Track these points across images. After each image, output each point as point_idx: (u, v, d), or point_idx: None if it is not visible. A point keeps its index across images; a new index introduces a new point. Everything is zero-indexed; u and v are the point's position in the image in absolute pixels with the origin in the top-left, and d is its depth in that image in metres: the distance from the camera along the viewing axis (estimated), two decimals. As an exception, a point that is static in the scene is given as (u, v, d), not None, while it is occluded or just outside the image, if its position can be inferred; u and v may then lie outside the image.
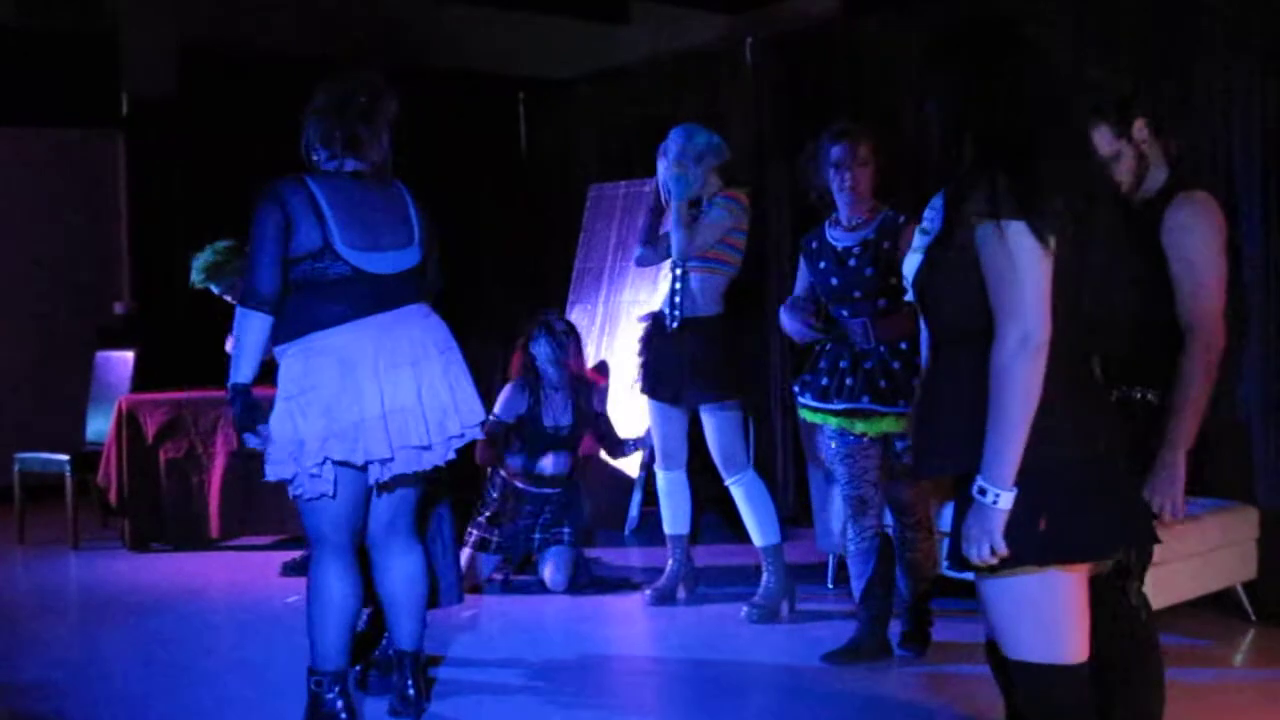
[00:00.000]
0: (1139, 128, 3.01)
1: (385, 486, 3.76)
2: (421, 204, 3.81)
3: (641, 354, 5.39)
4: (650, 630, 5.16)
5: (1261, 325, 5.25)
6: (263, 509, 6.53)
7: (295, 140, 3.76)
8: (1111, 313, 2.38)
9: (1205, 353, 2.91)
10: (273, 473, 3.61)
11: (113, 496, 6.74)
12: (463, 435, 3.75)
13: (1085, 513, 2.30)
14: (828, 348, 4.48)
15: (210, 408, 6.57)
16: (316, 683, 3.68)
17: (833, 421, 4.42)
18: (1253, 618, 4.90)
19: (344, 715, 3.68)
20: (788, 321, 4.59)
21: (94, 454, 6.89)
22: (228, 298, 5.90)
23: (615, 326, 7.46)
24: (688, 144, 5.12)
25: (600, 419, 5.92)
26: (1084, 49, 5.65)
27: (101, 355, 7.39)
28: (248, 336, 3.59)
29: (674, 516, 5.44)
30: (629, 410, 6.78)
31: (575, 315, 7.57)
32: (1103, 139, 2.97)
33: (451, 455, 3.76)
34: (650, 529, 6.53)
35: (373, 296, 3.61)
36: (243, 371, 3.60)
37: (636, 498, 7.05)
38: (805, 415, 4.56)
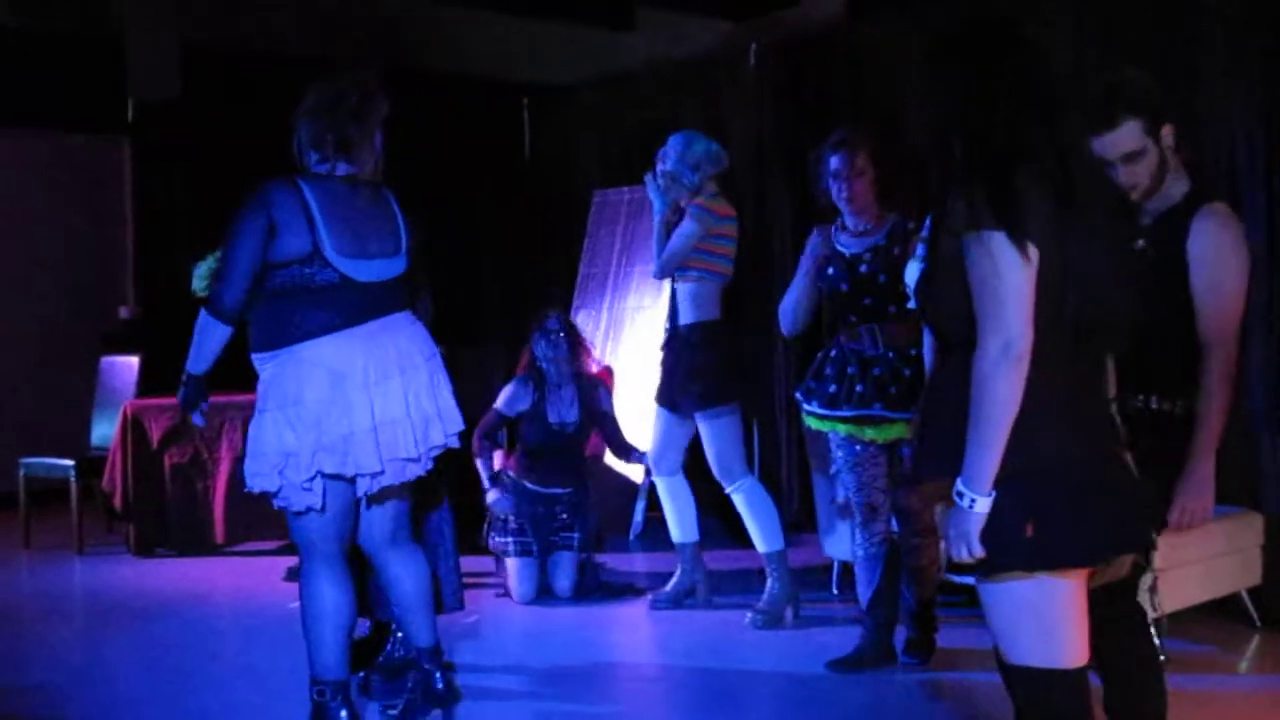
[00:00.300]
0: (1167, 133, 3.05)
1: (378, 499, 3.73)
2: (408, 212, 3.77)
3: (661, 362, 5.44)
4: (654, 636, 5.16)
5: (1265, 331, 5.25)
6: (267, 514, 6.43)
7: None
8: (1109, 315, 2.38)
9: (1226, 364, 2.96)
10: (257, 484, 3.57)
11: (117, 502, 6.74)
12: (443, 444, 3.71)
13: (1073, 519, 2.31)
14: (832, 354, 4.47)
15: (215, 413, 6.56)
16: (319, 692, 3.66)
17: (841, 429, 4.40)
18: (1258, 624, 4.89)
19: None
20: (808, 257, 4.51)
21: (99, 459, 6.89)
22: None
23: (620, 331, 7.47)
24: (686, 151, 5.16)
25: (607, 418, 5.91)
26: (1083, 50, 5.65)
27: (106, 360, 7.40)
28: (207, 340, 3.57)
29: (679, 524, 5.44)
30: (635, 416, 6.78)
31: (580, 320, 7.58)
32: (1132, 134, 3.00)
33: (430, 464, 3.71)
34: (656, 534, 6.52)
35: (360, 304, 3.56)
36: (200, 363, 3.61)
37: (641, 503, 7.05)
38: (811, 423, 4.54)
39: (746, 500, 5.17)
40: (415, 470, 3.66)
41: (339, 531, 3.68)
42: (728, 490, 5.20)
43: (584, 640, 5.06)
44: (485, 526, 5.77)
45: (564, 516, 5.72)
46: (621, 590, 5.75)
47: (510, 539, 5.65)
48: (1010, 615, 2.39)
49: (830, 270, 4.43)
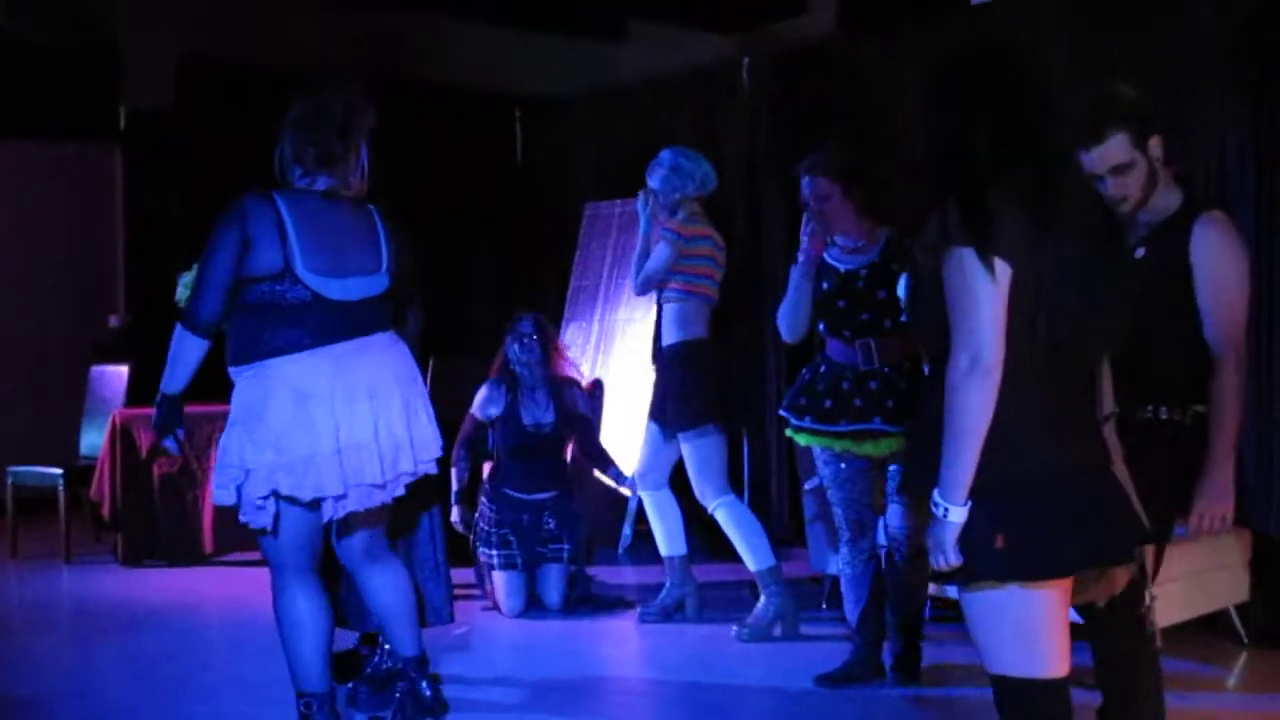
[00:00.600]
0: (1154, 144, 3.08)
1: (349, 520, 3.67)
2: (394, 228, 3.70)
3: None
4: (643, 650, 5.16)
5: (1253, 344, 5.26)
6: (256, 524, 6.51)
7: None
8: (1081, 334, 2.42)
9: (1237, 369, 2.99)
10: (217, 498, 3.56)
11: (106, 511, 6.73)
12: (414, 472, 3.63)
13: (1045, 532, 2.36)
14: (821, 370, 4.47)
15: (204, 423, 6.56)
16: (306, 704, 3.65)
17: (836, 445, 4.39)
18: (1245, 640, 4.91)
19: None
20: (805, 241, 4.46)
21: (88, 468, 6.88)
22: None
23: (610, 344, 7.47)
24: (668, 170, 5.20)
25: (582, 421, 5.90)
26: (1074, 62, 5.67)
27: (96, 369, 7.40)
28: (182, 355, 3.52)
29: (666, 537, 5.45)
30: (625, 429, 6.79)
31: (571, 333, 7.59)
32: (1120, 147, 3.05)
33: (400, 491, 3.64)
34: (646, 548, 6.53)
35: (333, 324, 3.50)
36: (174, 383, 3.56)
37: (630, 516, 7.05)
38: (801, 439, 4.52)
39: (728, 518, 5.18)
40: (381, 497, 3.59)
41: (309, 547, 3.62)
42: (709, 510, 5.21)
43: (573, 653, 5.06)
44: (471, 539, 5.77)
45: (551, 525, 5.71)
46: (611, 603, 5.75)
47: (495, 551, 5.65)
48: (989, 625, 2.44)
49: (824, 285, 4.43)
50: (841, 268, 4.42)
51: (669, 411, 5.23)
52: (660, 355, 5.36)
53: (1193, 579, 4.69)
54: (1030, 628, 2.41)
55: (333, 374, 3.48)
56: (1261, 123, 5.29)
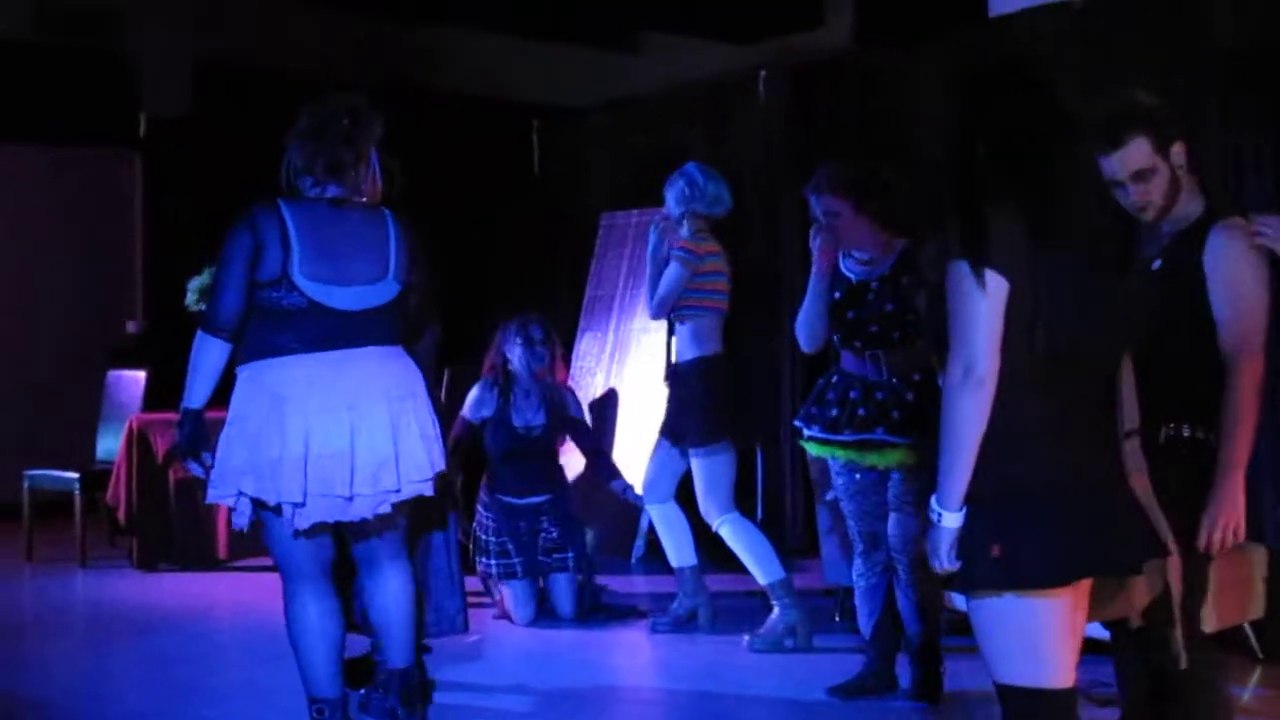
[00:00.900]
0: (1178, 151, 3.03)
1: (352, 525, 3.63)
2: (408, 233, 3.67)
3: None
4: (655, 660, 5.16)
5: (1271, 360, 5.24)
6: (270, 530, 6.53)
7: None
8: (1078, 348, 2.43)
9: (1253, 377, 2.92)
10: (210, 496, 3.59)
11: (121, 515, 6.76)
12: (399, 491, 3.55)
13: (1042, 541, 2.38)
14: (834, 380, 4.46)
15: (221, 429, 6.57)
16: (318, 710, 3.64)
17: (840, 454, 4.39)
18: (1260, 656, 4.88)
19: None
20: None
21: (104, 472, 6.91)
22: None
23: (625, 354, 7.48)
24: (686, 183, 5.25)
25: (578, 424, 5.91)
26: (1087, 85, 5.66)
27: (113, 374, 7.43)
28: (203, 361, 3.52)
29: (675, 549, 5.45)
30: (638, 439, 6.79)
31: (585, 343, 7.60)
32: (1141, 152, 2.99)
33: (385, 509, 3.55)
34: (658, 557, 6.51)
35: (326, 332, 3.49)
36: (195, 396, 3.54)
37: (643, 526, 7.04)
38: (811, 449, 4.52)
39: (733, 534, 5.18)
40: (357, 511, 3.52)
41: (314, 555, 3.61)
42: (714, 527, 5.21)
43: (584, 662, 5.06)
44: (471, 549, 5.75)
45: (553, 533, 5.67)
46: (623, 613, 5.74)
47: (494, 562, 5.63)
48: (991, 633, 2.47)
49: (836, 294, 4.41)
50: (853, 278, 4.40)
51: (683, 427, 5.24)
52: (675, 371, 5.38)
53: (1208, 594, 4.65)
54: (1031, 637, 2.43)
55: (311, 380, 3.47)
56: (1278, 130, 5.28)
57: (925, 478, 2.61)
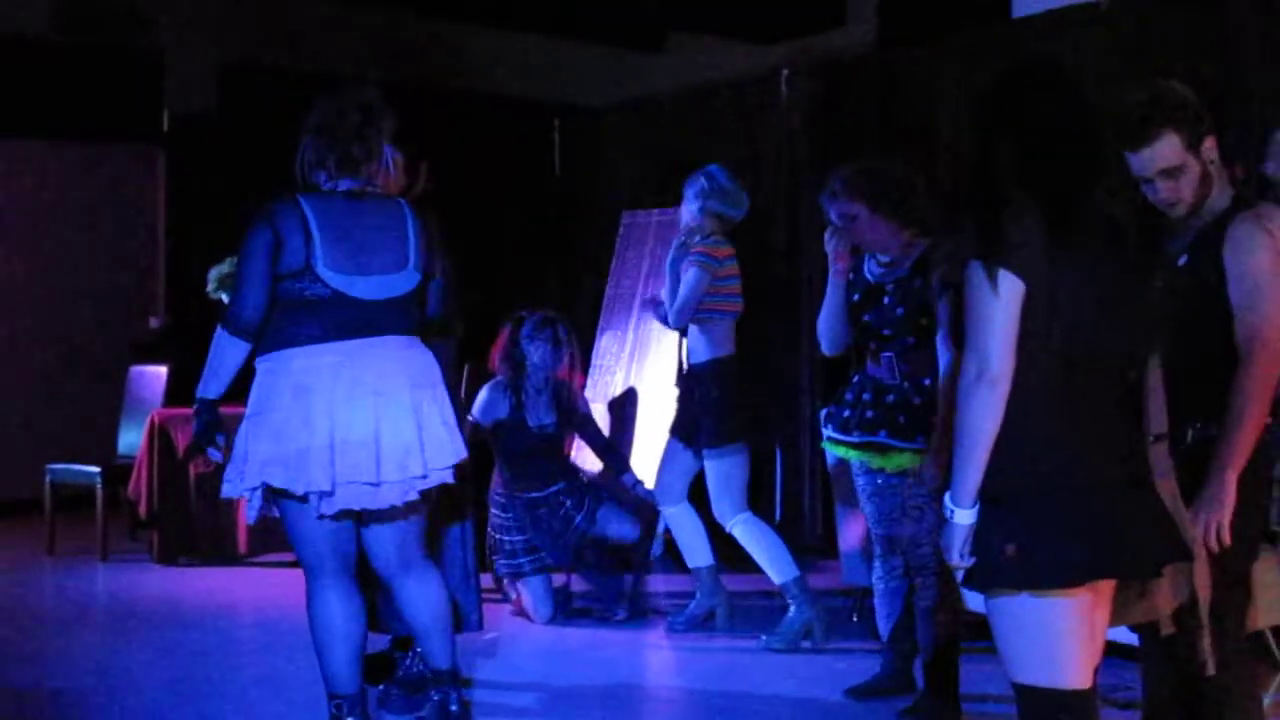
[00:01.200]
0: (1209, 146, 2.94)
1: (381, 517, 3.64)
2: (427, 225, 3.68)
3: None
4: (672, 660, 5.16)
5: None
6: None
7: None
8: (1096, 350, 2.44)
9: (1264, 370, 2.83)
10: (225, 490, 3.58)
11: (143, 509, 6.80)
12: (426, 476, 3.57)
13: (1058, 542, 2.39)
14: (854, 379, 4.45)
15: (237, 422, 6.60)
16: (337, 706, 3.66)
17: (854, 455, 4.37)
18: (1280, 662, 4.86)
19: None
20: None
21: (125, 467, 6.94)
22: None
23: (645, 354, 7.48)
24: (707, 181, 5.25)
25: (588, 420, 5.90)
26: (1111, 86, 5.64)
27: (135, 369, 7.47)
28: (222, 359, 3.55)
29: (691, 550, 5.46)
30: (656, 438, 6.79)
31: (605, 342, 7.60)
32: (1171, 148, 2.89)
33: (413, 496, 3.58)
34: (676, 557, 6.52)
35: (350, 321, 3.51)
36: (211, 388, 3.58)
37: (660, 526, 7.04)
38: (827, 447, 4.53)
39: (745, 534, 5.19)
40: (385, 498, 3.54)
41: (337, 548, 3.62)
42: (727, 527, 5.22)
43: (601, 661, 5.06)
44: (488, 552, 5.74)
45: (584, 502, 5.64)
46: (642, 611, 5.73)
47: (523, 560, 5.61)
48: (1008, 632, 2.48)
49: (855, 297, 4.39)
50: (872, 280, 4.35)
51: (696, 428, 5.24)
52: (690, 373, 5.37)
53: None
54: (1048, 637, 2.44)
55: (335, 368, 3.48)
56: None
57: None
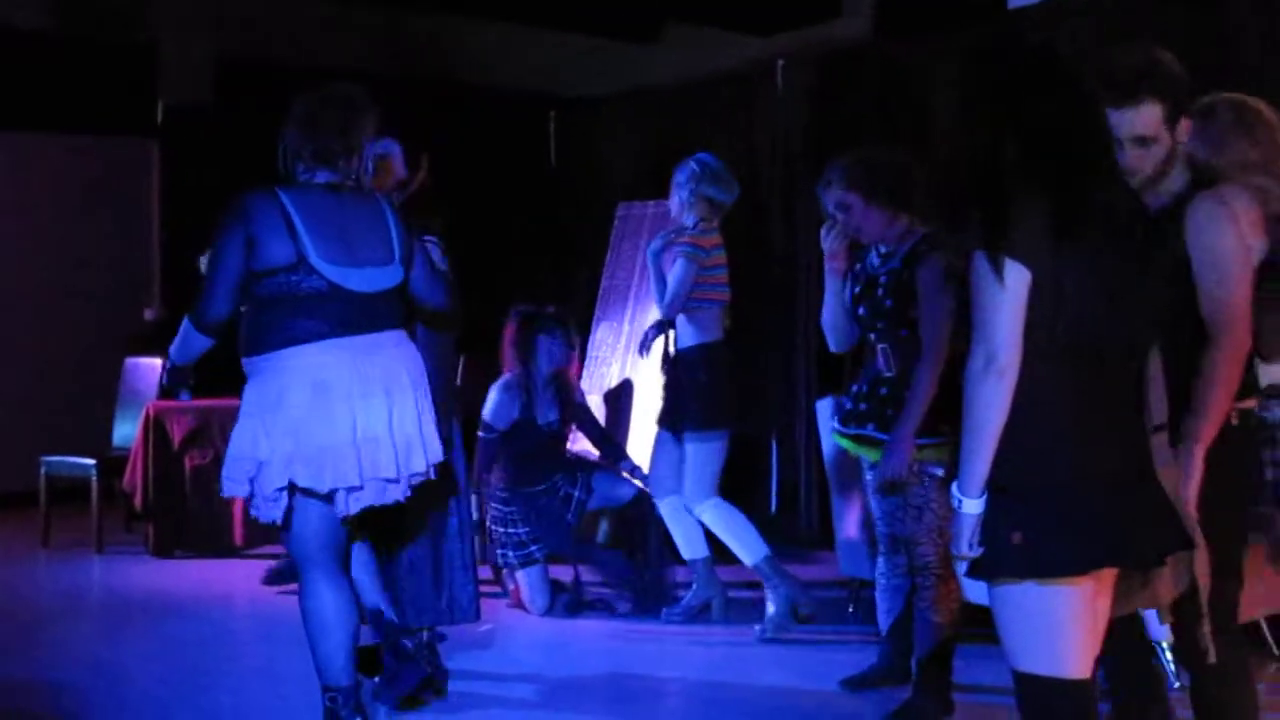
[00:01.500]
0: (1185, 128, 2.93)
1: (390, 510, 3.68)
2: (403, 219, 3.71)
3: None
4: (668, 650, 5.15)
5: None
6: (286, 518, 6.56)
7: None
8: (1100, 342, 2.44)
9: (1233, 348, 2.84)
10: (229, 489, 3.56)
11: (138, 502, 6.79)
12: (426, 473, 3.64)
13: (1063, 531, 2.40)
14: (861, 371, 4.42)
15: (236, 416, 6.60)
16: (331, 699, 3.65)
17: (852, 448, 4.34)
18: (1276, 651, 4.87)
19: None
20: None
21: (120, 459, 6.94)
22: None
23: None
24: (699, 166, 5.25)
25: (585, 411, 5.92)
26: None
27: (130, 361, 7.46)
28: (190, 344, 3.63)
29: (686, 542, 5.46)
30: (649, 430, 6.79)
31: (601, 332, 7.60)
32: (1151, 117, 2.88)
33: (408, 493, 3.64)
34: (669, 548, 6.52)
35: (350, 315, 3.51)
36: (182, 358, 3.72)
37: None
38: (834, 438, 4.51)
39: (716, 518, 5.20)
40: (395, 493, 3.59)
41: (331, 543, 3.63)
42: (695, 512, 5.23)
43: (597, 652, 5.07)
44: (487, 543, 5.73)
45: (575, 495, 5.64)
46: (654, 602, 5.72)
47: (533, 548, 5.60)
48: (1011, 620, 2.49)
49: (856, 289, 4.34)
50: (870, 271, 4.30)
51: (681, 411, 5.23)
52: (677, 358, 5.35)
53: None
54: (1050, 626, 2.45)
55: (351, 365, 3.49)
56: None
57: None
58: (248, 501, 3.59)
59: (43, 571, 6.67)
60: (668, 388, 5.40)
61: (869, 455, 4.24)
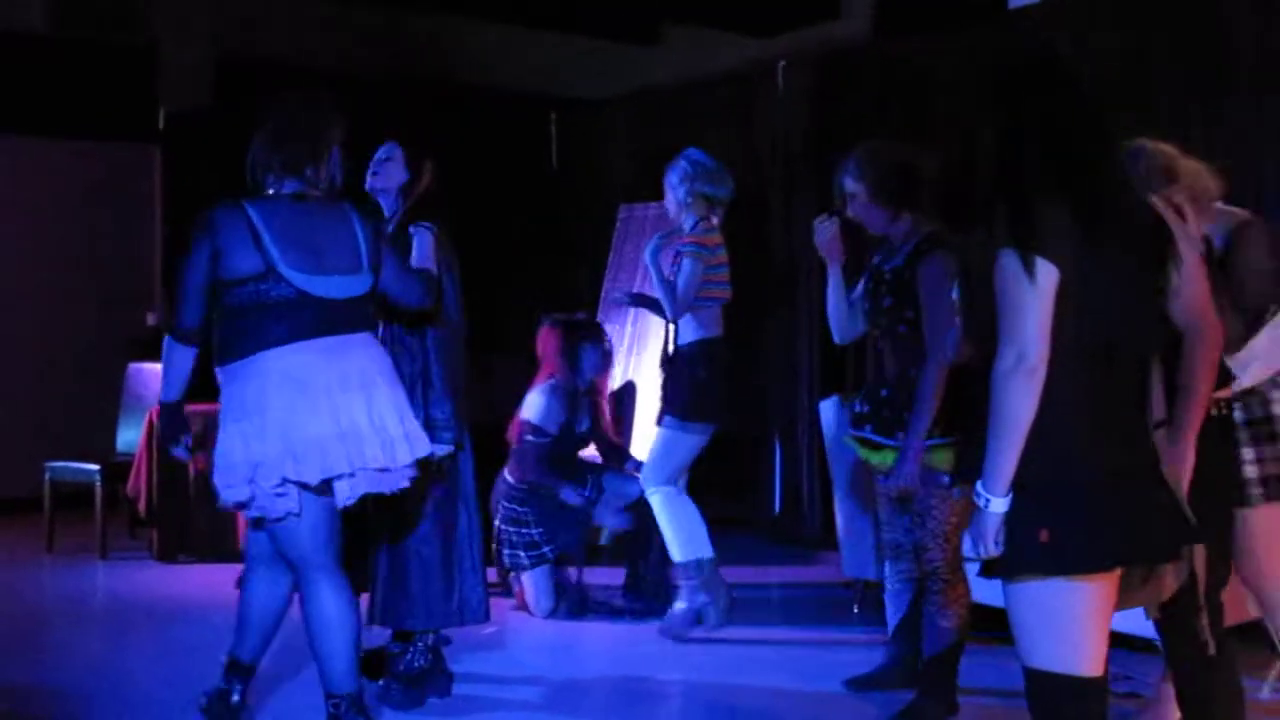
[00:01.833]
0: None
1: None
2: (372, 223, 3.76)
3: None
4: (670, 651, 5.15)
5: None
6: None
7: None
8: (1121, 339, 2.48)
9: (1214, 344, 2.87)
10: (228, 497, 3.58)
11: (142, 507, 6.79)
12: (412, 466, 3.69)
13: (1087, 527, 2.43)
14: (872, 372, 4.41)
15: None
16: (335, 705, 3.65)
17: (856, 449, 4.32)
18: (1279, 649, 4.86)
19: None
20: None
21: (124, 464, 6.94)
22: None
23: (643, 347, 7.48)
24: (689, 164, 5.23)
25: (604, 420, 5.95)
26: (1115, 79, 5.63)
27: (134, 366, 7.46)
28: (173, 365, 3.69)
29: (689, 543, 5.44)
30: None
31: (603, 334, 7.60)
32: None
33: (404, 484, 3.70)
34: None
35: (319, 320, 3.57)
36: (171, 392, 3.73)
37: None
38: (844, 440, 4.50)
39: (664, 504, 5.17)
40: (390, 483, 3.66)
41: (328, 542, 3.65)
42: (647, 493, 5.22)
43: (601, 654, 5.08)
44: (495, 545, 5.73)
45: (588, 494, 5.66)
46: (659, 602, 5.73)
47: (547, 548, 5.59)
48: (1027, 617, 2.50)
49: (864, 286, 4.31)
50: (876, 269, 4.28)
51: (668, 398, 5.23)
52: (676, 353, 5.33)
53: (1229, 587, 4.63)
54: (1068, 623, 2.47)
55: (326, 363, 3.55)
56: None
57: (965, 458, 2.61)
58: (247, 506, 3.59)
59: (47, 577, 6.67)
60: (665, 384, 5.38)
61: (870, 457, 4.21)
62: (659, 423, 5.32)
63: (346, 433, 3.52)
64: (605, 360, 5.78)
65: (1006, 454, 2.42)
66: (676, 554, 5.17)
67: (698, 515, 5.20)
